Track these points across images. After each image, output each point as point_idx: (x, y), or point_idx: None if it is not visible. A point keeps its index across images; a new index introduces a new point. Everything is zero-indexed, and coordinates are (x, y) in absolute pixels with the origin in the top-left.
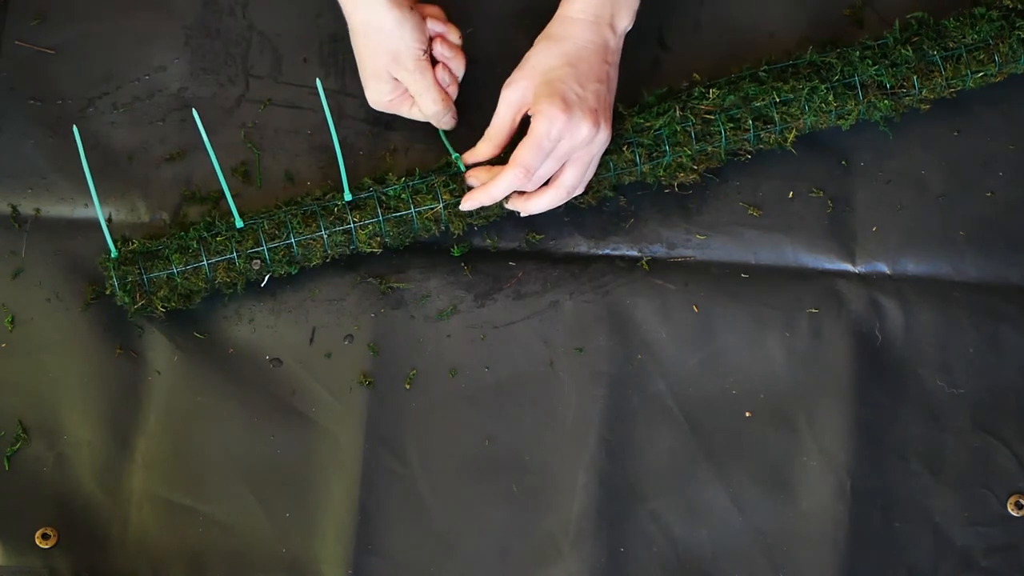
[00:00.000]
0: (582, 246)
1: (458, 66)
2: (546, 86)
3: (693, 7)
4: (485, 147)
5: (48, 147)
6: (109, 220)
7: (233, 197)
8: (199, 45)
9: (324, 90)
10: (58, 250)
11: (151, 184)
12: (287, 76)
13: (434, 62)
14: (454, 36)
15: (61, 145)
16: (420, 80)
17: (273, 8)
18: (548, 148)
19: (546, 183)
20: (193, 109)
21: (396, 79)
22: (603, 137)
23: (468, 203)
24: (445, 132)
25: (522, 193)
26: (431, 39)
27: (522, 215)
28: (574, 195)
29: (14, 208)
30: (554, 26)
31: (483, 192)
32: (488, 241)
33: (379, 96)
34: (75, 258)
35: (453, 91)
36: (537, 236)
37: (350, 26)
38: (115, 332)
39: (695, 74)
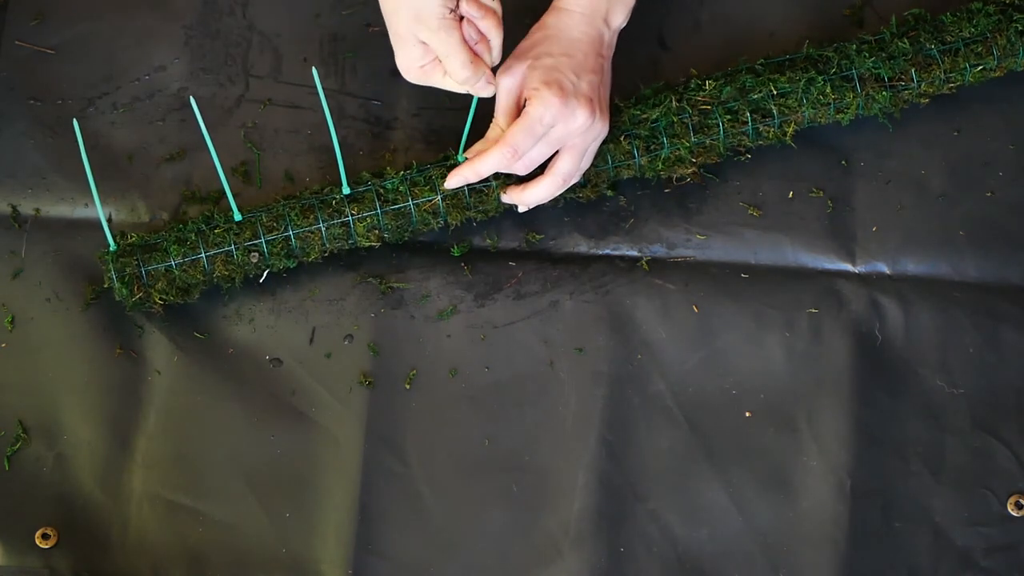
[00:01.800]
0: (582, 246)
1: (489, 27)
2: (542, 72)
3: (693, 7)
4: (495, 134)
5: (48, 147)
6: (109, 220)
7: (233, 196)
8: (199, 45)
9: (324, 90)
10: (58, 250)
11: (151, 184)
12: (287, 76)
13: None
14: None
15: (61, 145)
16: (446, 40)
17: (273, 8)
18: (540, 132)
19: (540, 172)
20: (191, 96)
21: (424, 42)
22: (599, 127)
23: (453, 179)
24: (471, 121)
25: (519, 183)
26: None
27: (520, 210)
28: (569, 184)
29: (14, 208)
30: (549, 17)
31: (468, 167)
32: (488, 241)
33: (409, 62)
34: (75, 258)
35: (485, 53)
36: (537, 236)
37: None
38: (115, 332)
39: (693, 71)
